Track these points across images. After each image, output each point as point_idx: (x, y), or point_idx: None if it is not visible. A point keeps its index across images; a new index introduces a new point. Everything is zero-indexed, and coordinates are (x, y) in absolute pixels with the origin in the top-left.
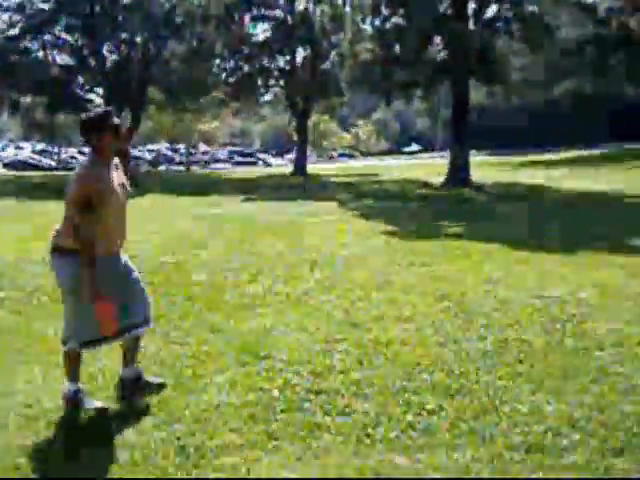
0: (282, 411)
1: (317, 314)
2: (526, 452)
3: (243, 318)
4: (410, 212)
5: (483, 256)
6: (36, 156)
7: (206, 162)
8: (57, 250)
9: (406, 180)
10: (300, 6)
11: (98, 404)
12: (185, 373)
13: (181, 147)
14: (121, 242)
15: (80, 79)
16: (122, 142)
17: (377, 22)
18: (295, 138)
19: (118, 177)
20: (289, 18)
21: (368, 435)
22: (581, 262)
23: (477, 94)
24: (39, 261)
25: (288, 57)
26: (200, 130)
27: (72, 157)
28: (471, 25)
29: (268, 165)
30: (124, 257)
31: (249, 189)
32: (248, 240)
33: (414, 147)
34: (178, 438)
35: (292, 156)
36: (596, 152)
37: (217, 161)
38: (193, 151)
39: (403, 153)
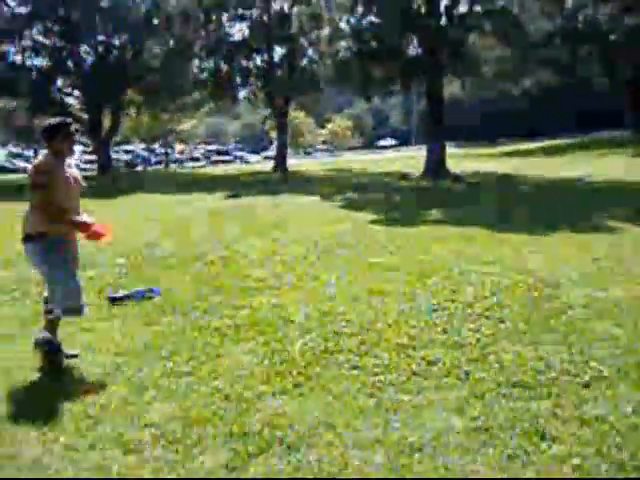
0: (303, 367)
1: (321, 292)
2: (512, 386)
3: (253, 297)
4: (392, 202)
5: (464, 238)
6: (13, 160)
7: (182, 161)
8: (27, 238)
9: (385, 173)
10: (276, 6)
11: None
12: (213, 342)
13: (157, 147)
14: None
15: (59, 82)
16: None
17: (353, 20)
18: (271, 135)
19: (71, 173)
20: (265, 17)
21: (380, 381)
22: (549, 241)
23: (449, 87)
24: None
25: (265, 56)
26: (176, 130)
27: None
28: (443, 21)
29: (246, 162)
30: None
31: (234, 186)
32: (249, 231)
33: (389, 141)
34: (220, 390)
35: (268, 153)
36: (565, 142)
37: (193, 159)
38: (169, 151)
39: (378, 147)
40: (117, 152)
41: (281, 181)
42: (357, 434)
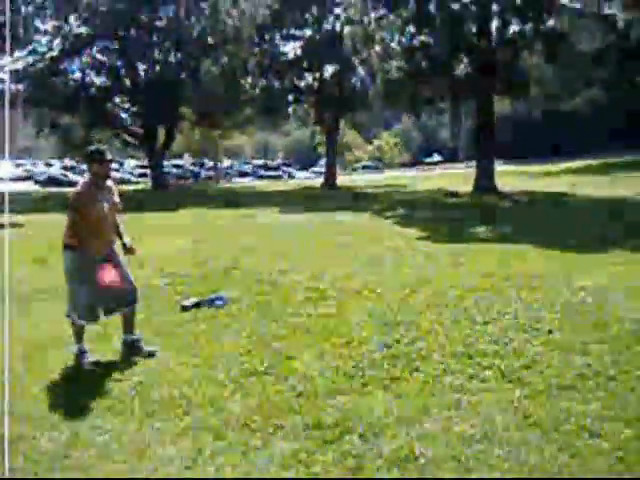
0: (368, 369)
1: (376, 302)
2: (562, 389)
3: (317, 306)
4: (442, 219)
5: (513, 255)
6: (67, 172)
7: (231, 176)
8: (64, 246)
9: (434, 190)
10: (328, 25)
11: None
12: (282, 346)
13: (206, 162)
14: (107, 247)
15: (116, 99)
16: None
17: (404, 40)
18: (319, 151)
19: (108, 196)
20: (317, 37)
21: (440, 382)
22: (599, 258)
23: (499, 105)
24: None
25: (317, 74)
26: (226, 145)
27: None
28: (494, 41)
29: (292, 177)
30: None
31: (285, 201)
32: (311, 247)
33: (436, 158)
34: (293, 387)
35: (316, 169)
36: (614, 160)
37: (242, 175)
38: (219, 165)
39: (426, 164)
40: (166, 166)
41: (332, 197)
42: (421, 427)
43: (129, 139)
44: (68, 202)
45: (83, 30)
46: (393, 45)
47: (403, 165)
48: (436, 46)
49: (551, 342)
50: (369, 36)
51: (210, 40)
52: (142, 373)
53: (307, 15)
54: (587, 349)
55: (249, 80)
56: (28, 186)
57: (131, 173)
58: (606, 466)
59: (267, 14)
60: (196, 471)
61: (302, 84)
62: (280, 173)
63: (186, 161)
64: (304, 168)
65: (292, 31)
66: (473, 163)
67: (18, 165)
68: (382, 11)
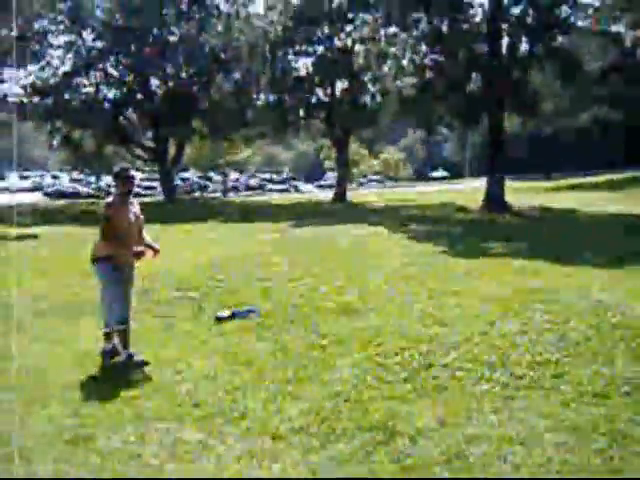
0: (406, 377)
1: (407, 313)
2: (593, 396)
3: (350, 318)
4: (455, 235)
5: (530, 270)
6: (76, 185)
7: (238, 189)
8: (94, 260)
9: (443, 205)
10: (339, 42)
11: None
12: (321, 355)
13: (213, 175)
14: (132, 256)
15: (128, 112)
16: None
17: (416, 58)
18: (326, 165)
19: (133, 209)
20: (329, 54)
21: (478, 390)
22: (616, 274)
23: (508, 122)
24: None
25: (328, 90)
26: (233, 158)
27: (109, 185)
28: (505, 60)
29: (299, 191)
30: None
31: (300, 215)
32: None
33: (441, 173)
34: (339, 393)
35: (321, 182)
36: (622, 176)
37: (249, 188)
38: (226, 179)
39: (430, 179)
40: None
41: (344, 211)
42: (466, 430)
43: (140, 153)
44: (101, 216)
45: (96, 45)
46: (404, 62)
47: (408, 179)
48: (448, 64)
49: (578, 353)
50: (382, 53)
51: (223, 56)
52: (190, 380)
53: (318, 32)
54: (614, 359)
55: (261, 95)
56: (37, 198)
57: (138, 186)
58: None
59: (279, 30)
60: (263, 468)
61: (313, 99)
62: (287, 187)
63: (192, 174)
64: (309, 181)
65: (304, 47)
66: (481, 178)
67: (24, 177)
68: (394, 29)
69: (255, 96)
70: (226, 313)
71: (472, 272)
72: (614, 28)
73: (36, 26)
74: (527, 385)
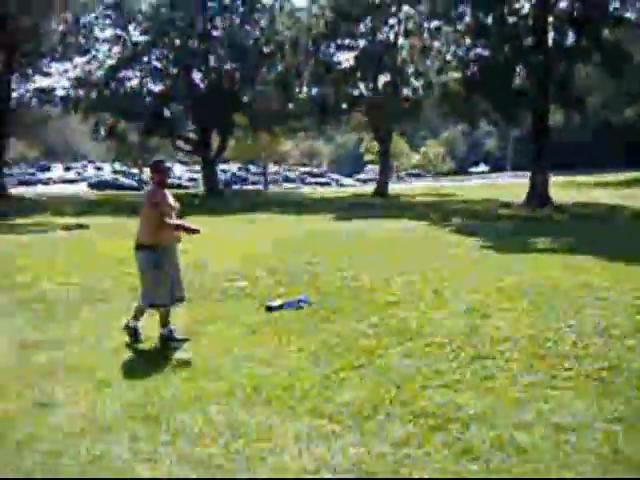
0: (456, 368)
1: (454, 306)
2: (638, 389)
3: (398, 309)
4: (499, 230)
5: (576, 266)
6: (118, 176)
7: (277, 182)
8: (137, 246)
9: (485, 200)
10: (382, 36)
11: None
12: (370, 344)
13: (252, 168)
14: (172, 238)
15: (172, 105)
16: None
17: (461, 52)
18: (366, 158)
19: (170, 198)
20: (372, 47)
21: (526, 380)
22: None
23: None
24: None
25: (371, 84)
26: (273, 151)
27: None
28: (551, 54)
29: (341, 185)
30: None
31: (341, 208)
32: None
33: (482, 167)
34: (392, 380)
35: (360, 176)
36: None
37: (288, 181)
38: (267, 171)
39: (471, 173)
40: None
41: (389, 206)
42: (516, 417)
43: (183, 145)
44: (146, 205)
45: (142, 38)
46: (448, 57)
47: (449, 174)
48: (493, 58)
49: (628, 347)
50: (425, 47)
51: (266, 49)
52: (245, 366)
53: (361, 26)
54: None
55: (304, 88)
56: (81, 188)
57: (180, 178)
58: None
59: (322, 24)
60: (321, 449)
61: (355, 93)
62: (328, 180)
63: (231, 167)
64: (349, 175)
65: (346, 41)
66: (522, 173)
67: (68, 168)
68: (438, 22)
69: (297, 89)
70: (276, 302)
71: (519, 266)
72: None
73: (82, 20)
74: (574, 376)
